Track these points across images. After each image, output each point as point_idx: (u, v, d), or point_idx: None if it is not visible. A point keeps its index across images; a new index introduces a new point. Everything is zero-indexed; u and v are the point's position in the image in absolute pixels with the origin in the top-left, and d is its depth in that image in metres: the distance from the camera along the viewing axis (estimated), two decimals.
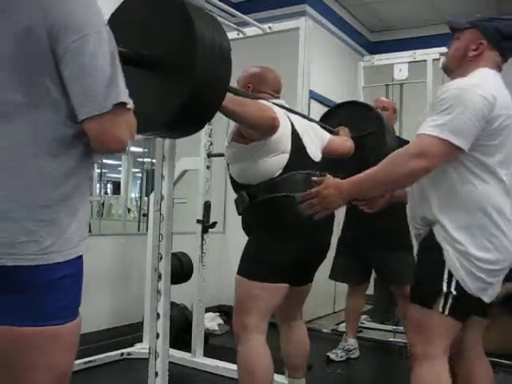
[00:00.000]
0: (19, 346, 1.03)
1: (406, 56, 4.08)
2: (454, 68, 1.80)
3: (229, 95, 1.65)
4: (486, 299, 1.68)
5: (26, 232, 1.00)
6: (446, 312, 1.61)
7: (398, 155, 1.61)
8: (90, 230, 3.83)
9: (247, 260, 2.02)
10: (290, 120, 2.05)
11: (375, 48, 5.62)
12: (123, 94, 1.04)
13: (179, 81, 1.41)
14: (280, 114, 1.99)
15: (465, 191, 1.61)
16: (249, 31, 3.08)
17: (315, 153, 2.11)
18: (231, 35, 3.16)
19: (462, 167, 1.61)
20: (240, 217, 2.12)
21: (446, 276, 1.61)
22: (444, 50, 4.10)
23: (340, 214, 3.17)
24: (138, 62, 1.48)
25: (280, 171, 1.95)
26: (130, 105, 1.06)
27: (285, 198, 1.93)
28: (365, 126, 2.63)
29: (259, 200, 1.96)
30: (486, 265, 1.60)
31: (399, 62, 4.07)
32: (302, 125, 2.09)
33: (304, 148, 2.04)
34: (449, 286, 1.60)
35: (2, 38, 1.00)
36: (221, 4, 2.89)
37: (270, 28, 3.01)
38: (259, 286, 1.94)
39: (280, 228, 1.96)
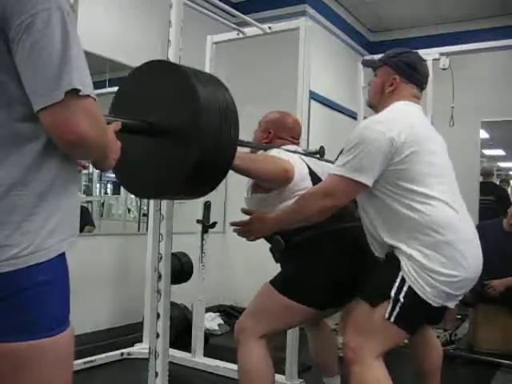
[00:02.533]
0: (8, 364, 0.94)
1: None
2: (376, 104, 1.92)
3: (239, 152, 1.66)
4: (451, 305, 1.71)
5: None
6: (392, 319, 1.63)
7: (309, 195, 1.81)
8: (93, 225, 3.85)
9: (285, 274, 2.02)
10: (306, 162, 2.08)
11: (375, 48, 5.62)
12: (77, 80, 0.90)
13: (187, 148, 1.45)
14: (294, 158, 2.01)
15: (408, 217, 1.67)
16: (249, 31, 3.07)
17: None
18: (231, 35, 3.16)
19: (399, 196, 1.69)
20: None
21: (397, 283, 1.64)
22: (444, 50, 4.10)
23: None
24: (146, 132, 1.51)
25: None
26: (87, 90, 0.92)
27: (322, 233, 1.93)
28: None
29: (297, 240, 1.97)
30: (444, 278, 1.63)
31: None
32: (318, 165, 2.13)
33: None
34: (397, 293, 1.63)
35: None
36: (221, 4, 2.88)
37: (269, 28, 3.00)
38: (285, 301, 1.93)
39: (319, 261, 1.95)
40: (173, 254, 2.15)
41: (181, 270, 3.35)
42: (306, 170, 2.04)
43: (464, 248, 1.66)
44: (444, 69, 3.80)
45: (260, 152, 2.14)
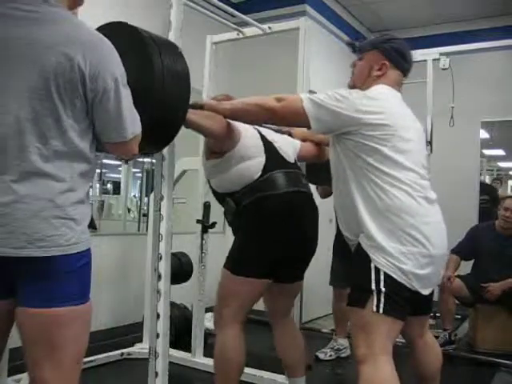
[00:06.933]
0: (52, 324, 1.26)
1: None
2: (359, 86, 1.96)
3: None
4: (424, 291, 1.74)
5: (54, 228, 1.24)
6: (381, 310, 1.66)
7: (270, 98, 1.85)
8: (95, 227, 3.85)
9: (233, 255, 2.15)
10: (258, 130, 2.19)
11: None
12: (138, 126, 1.41)
13: (141, 105, 1.54)
14: (244, 125, 2.10)
15: (370, 197, 1.72)
16: (249, 31, 3.07)
17: (289, 156, 2.22)
18: (231, 35, 3.16)
19: (369, 173, 1.73)
20: None
21: (373, 275, 1.68)
22: (444, 50, 4.09)
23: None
24: None
25: (259, 173, 2.07)
26: (139, 130, 1.42)
27: (269, 196, 2.04)
28: None
29: (246, 203, 2.07)
30: (407, 257, 1.67)
31: None
32: (270, 133, 2.22)
33: (277, 151, 2.17)
34: (377, 284, 1.67)
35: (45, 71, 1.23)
36: (221, 4, 2.88)
37: (269, 28, 3.00)
38: (240, 280, 2.06)
39: (266, 225, 2.05)
40: (173, 254, 2.15)
41: (181, 270, 3.35)
42: (258, 135, 2.15)
43: (425, 228, 1.70)
44: (444, 69, 3.80)
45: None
